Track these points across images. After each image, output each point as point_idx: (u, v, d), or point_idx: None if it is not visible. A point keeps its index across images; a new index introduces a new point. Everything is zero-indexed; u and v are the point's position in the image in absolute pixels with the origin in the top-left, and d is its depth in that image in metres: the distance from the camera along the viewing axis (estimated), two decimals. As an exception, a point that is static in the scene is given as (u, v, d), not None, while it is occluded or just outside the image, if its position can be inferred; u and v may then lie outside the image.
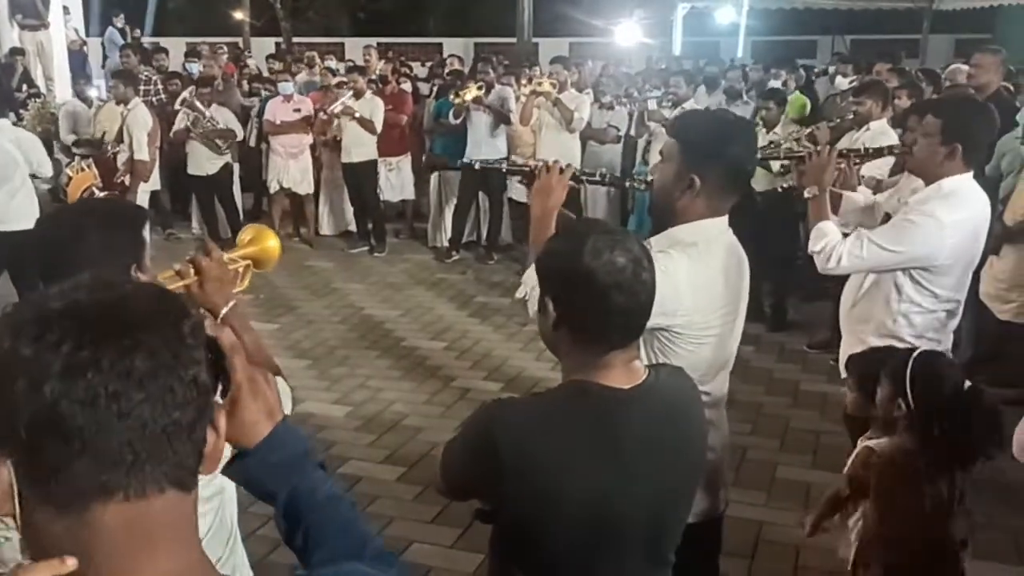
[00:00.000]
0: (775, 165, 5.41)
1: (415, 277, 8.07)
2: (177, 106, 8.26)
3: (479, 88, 8.02)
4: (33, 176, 5.96)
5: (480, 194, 8.46)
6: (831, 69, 10.91)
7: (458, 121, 8.12)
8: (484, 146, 8.02)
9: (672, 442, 1.64)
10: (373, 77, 9.23)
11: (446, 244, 8.67)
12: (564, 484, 1.53)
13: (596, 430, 1.57)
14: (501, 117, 8.09)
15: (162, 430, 0.81)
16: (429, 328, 6.67)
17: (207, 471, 0.92)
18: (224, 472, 1.05)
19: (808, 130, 5.86)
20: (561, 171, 2.36)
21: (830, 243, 3.11)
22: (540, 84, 7.84)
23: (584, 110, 7.83)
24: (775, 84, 8.19)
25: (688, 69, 8.75)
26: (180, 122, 8.25)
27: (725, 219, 2.34)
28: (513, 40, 19.36)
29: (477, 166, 2.69)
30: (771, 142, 5.90)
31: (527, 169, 2.48)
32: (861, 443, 2.82)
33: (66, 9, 12.21)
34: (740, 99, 8.25)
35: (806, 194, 3.30)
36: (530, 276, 2.35)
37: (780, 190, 4.59)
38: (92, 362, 0.77)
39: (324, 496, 1.16)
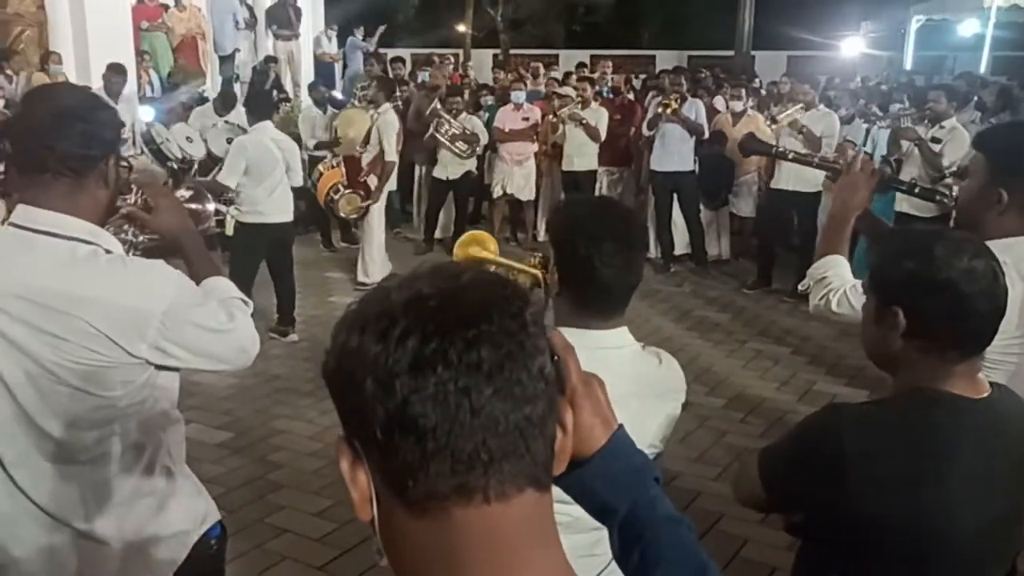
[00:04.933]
0: None
1: (630, 287, 8.03)
2: (427, 113, 8.67)
3: (676, 100, 8.01)
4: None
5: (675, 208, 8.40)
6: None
7: (651, 133, 8.19)
8: (674, 156, 8.10)
9: (1022, 459, 1.56)
10: (599, 88, 9.33)
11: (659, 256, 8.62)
12: (912, 493, 1.49)
13: (949, 440, 1.52)
14: (694, 129, 8.06)
15: (515, 426, 0.76)
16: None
17: (556, 470, 0.86)
18: (557, 481, 0.93)
19: None
20: (873, 171, 2.27)
21: None
22: (787, 115, 7.59)
23: (832, 132, 7.45)
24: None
25: (951, 84, 8.17)
26: (430, 129, 8.66)
27: None
28: (727, 53, 18.98)
29: (790, 156, 2.64)
30: None
31: (837, 166, 2.40)
32: None
33: (330, 25, 13.34)
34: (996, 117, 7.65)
35: None
36: (817, 270, 2.31)
37: None
38: (440, 355, 0.74)
39: (664, 514, 1.07)
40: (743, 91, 8.62)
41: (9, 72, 9.11)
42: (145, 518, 1.84)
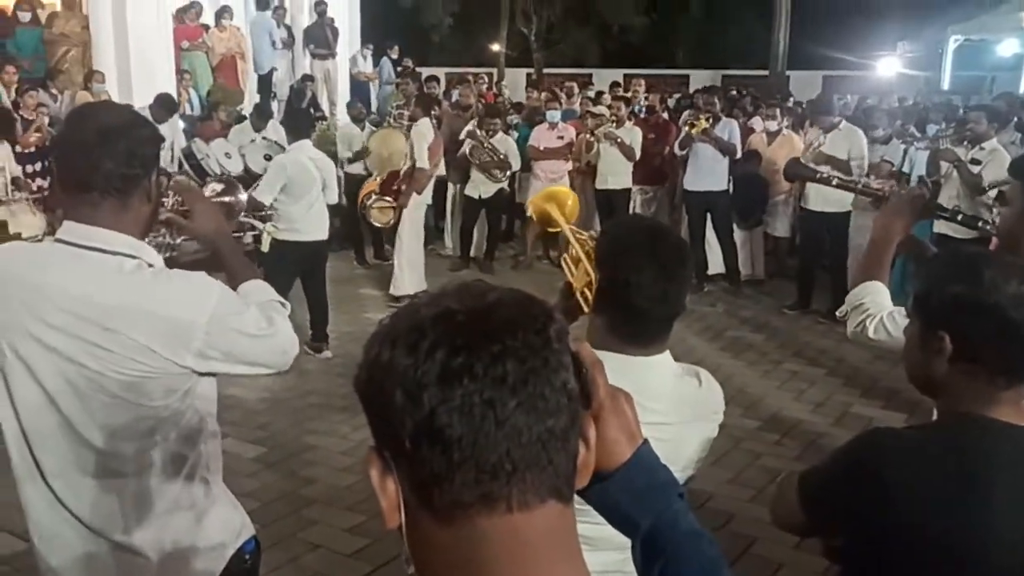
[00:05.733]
0: None
1: (663, 307, 7.99)
2: (462, 136, 8.73)
3: (707, 120, 8.01)
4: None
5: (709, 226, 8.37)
6: None
7: (683, 152, 8.19)
8: (707, 175, 8.09)
9: None
10: (632, 107, 9.35)
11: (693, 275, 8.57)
12: (954, 519, 1.46)
13: (994, 466, 1.49)
14: (726, 149, 8.03)
15: (537, 438, 0.79)
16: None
17: (578, 484, 0.88)
18: (581, 494, 0.97)
19: None
20: (916, 198, 2.26)
21: None
22: (811, 150, 7.46)
23: (860, 152, 7.34)
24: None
25: (991, 104, 8.05)
26: (463, 149, 8.73)
27: None
28: (762, 72, 18.95)
29: (834, 183, 2.65)
30: None
31: (880, 193, 2.40)
32: None
33: (365, 44, 13.50)
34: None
35: None
36: (855, 295, 2.30)
37: None
38: (466, 368, 0.77)
39: (686, 529, 1.07)
40: (777, 111, 8.57)
41: (54, 91, 9.31)
42: (183, 530, 1.85)
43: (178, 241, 2.04)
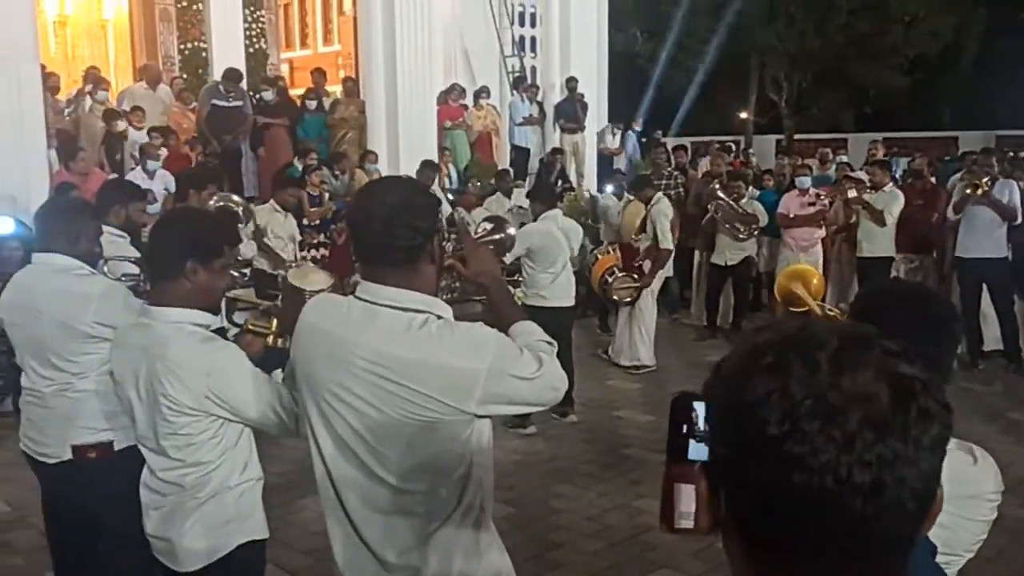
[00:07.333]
0: None
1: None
2: (706, 197, 8.75)
3: (986, 182, 7.43)
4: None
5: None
6: None
7: (958, 216, 7.65)
8: (984, 241, 7.50)
9: None
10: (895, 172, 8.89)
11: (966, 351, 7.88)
12: None
13: None
14: (1006, 213, 7.40)
15: (884, 535, 0.78)
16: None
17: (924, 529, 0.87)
18: None
19: None
20: None
21: None
22: None
23: None
24: None
25: None
26: (709, 212, 8.73)
27: None
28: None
29: None
30: None
31: None
32: None
33: (616, 122, 14.07)
34: None
35: None
36: None
37: None
38: (831, 469, 0.75)
39: None
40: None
41: (337, 172, 10.35)
42: (466, 567, 1.96)
43: (457, 284, 2.23)
